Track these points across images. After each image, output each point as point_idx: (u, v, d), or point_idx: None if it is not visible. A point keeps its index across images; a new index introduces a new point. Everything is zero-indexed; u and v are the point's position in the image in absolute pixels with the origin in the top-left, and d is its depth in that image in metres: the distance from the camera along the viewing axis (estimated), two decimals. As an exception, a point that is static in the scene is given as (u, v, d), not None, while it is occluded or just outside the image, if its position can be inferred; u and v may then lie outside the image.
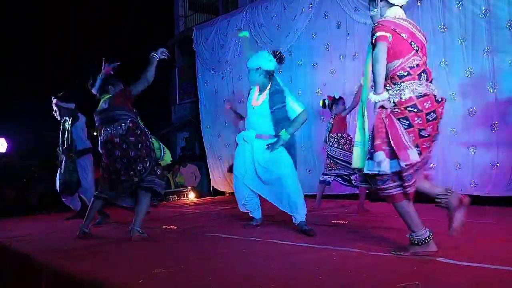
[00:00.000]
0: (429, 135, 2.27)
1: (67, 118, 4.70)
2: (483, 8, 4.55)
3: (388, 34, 2.24)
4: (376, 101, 2.23)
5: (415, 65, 2.28)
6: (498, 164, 4.44)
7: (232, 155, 7.48)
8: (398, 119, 2.21)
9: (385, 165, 2.17)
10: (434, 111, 2.24)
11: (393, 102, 2.25)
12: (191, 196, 8.06)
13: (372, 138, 2.24)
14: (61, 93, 4.70)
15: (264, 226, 3.65)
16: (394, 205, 2.30)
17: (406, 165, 2.14)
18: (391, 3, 2.36)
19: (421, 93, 2.22)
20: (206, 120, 8.11)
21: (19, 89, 11.33)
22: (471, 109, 4.65)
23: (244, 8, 7.47)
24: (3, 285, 3.36)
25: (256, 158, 3.45)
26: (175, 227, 3.96)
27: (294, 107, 3.37)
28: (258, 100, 3.48)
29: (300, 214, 3.25)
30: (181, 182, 8.48)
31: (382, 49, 2.22)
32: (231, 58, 7.50)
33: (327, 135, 4.75)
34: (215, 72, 7.86)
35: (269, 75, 3.43)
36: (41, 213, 6.63)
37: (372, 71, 2.26)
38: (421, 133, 2.23)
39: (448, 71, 4.81)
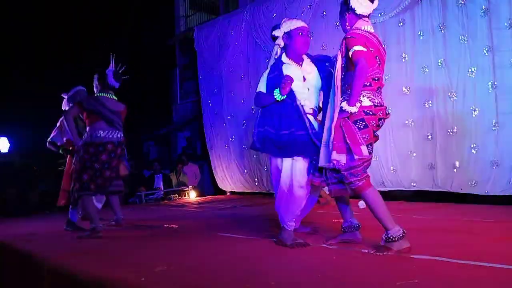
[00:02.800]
0: (377, 136, 2.56)
1: None
2: (483, 7, 4.55)
3: (365, 49, 2.41)
4: (349, 111, 2.38)
5: (377, 78, 2.48)
6: (498, 163, 4.44)
7: (234, 157, 7.57)
8: (356, 121, 2.42)
9: (342, 159, 2.41)
10: (383, 119, 2.51)
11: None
12: (192, 195, 8.07)
13: (333, 139, 2.45)
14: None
15: (264, 225, 3.66)
16: (363, 196, 2.43)
17: (359, 158, 2.38)
18: (358, 14, 2.52)
19: (377, 103, 2.47)
20: (208, 120, 8.12)
21: (20, 89, 11.36)
22: (471, 108, 4.65)
23: (245, 8, 7.45)
24: (5, 284, 3.38)
25: None
26: (176, 226, 3.97)
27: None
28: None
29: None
30: (185, 181, 8.50)
31: (365, 65, 2.37)
32: (231, 58, 7.50)
33: None
34: (215, 72, 7.86)
35: None
36: (43, 212, 6.66)
37: (354, 83, 2.38)
38: (375, 133, 2.52)
39: (448, 71, 4.82)
